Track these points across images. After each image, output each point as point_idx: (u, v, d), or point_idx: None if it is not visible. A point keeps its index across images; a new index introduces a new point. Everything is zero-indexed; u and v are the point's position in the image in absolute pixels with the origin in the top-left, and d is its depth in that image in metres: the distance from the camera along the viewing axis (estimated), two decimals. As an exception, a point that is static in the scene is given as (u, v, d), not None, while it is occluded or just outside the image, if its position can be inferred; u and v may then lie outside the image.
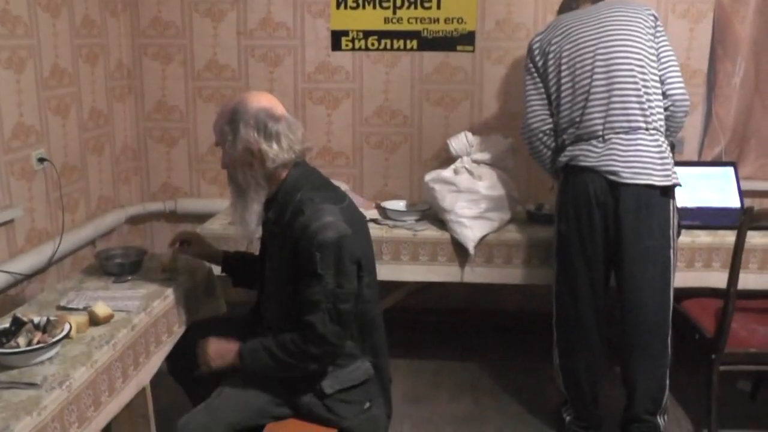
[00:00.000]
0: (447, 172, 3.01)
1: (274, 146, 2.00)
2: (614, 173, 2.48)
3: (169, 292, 2.30)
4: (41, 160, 2.87)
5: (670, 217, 2.53)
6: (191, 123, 3.72)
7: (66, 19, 3.07)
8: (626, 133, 2.50)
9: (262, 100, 2.06)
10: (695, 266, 2.85)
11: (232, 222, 2.13)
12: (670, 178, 2.50)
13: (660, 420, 2.65)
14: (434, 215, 3.09)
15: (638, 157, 2.48)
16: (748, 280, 2.76)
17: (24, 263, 2.74)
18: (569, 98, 2.59)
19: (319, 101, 3.62)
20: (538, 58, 2.69)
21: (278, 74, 3.62)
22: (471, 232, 2.89)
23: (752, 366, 2.69)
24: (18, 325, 1.80)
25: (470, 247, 2.89)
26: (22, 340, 1.76)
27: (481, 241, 2.93)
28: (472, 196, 2.93)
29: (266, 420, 2.06)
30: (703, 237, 2.88)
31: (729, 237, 2.71)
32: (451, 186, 2.97)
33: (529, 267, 2.96)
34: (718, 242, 2.86)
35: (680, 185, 2.54)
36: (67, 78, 3.09)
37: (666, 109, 2.58)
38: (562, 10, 2.88)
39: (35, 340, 1.77)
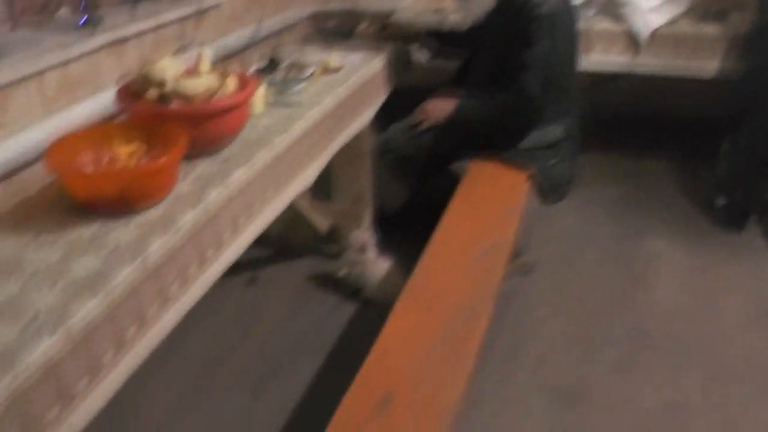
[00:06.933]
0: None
1: None
2: None
3: (380, 57, 2.59)
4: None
5: None
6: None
7: None
8: None
9: None
10: None
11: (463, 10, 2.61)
12: None
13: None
14: (611, 9, 3.11)
15: None
16: None
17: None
18: None
19: None
20: None
21: None
22: (646, 22, 2.98)
23: None
24: (274, 64, 2.18)
25: (645, 36, 2.99)
26: (280, 74, 2.14)
27: (653, 35, 3.01)
28: (651, -13, 2.98)
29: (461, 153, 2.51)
30: None
31: None
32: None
33: (695, 59, 3.02)
34: None
35: None
36: None
37: None
38: None
39: (290, 75, 2.14)
